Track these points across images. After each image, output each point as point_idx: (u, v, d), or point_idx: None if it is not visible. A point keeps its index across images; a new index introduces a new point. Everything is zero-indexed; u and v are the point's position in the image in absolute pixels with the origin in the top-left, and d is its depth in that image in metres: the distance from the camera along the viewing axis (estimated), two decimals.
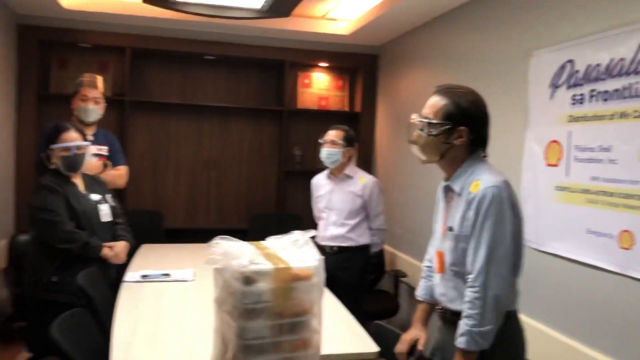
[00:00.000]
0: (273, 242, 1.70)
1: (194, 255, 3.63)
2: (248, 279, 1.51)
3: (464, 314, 1.85)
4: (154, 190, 4.94)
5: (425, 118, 1.94)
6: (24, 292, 3.36)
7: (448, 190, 2.01)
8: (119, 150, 3.80)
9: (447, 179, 2.00)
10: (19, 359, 3.69)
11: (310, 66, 5.16)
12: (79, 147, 2.94)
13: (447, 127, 1.89)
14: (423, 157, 1.98)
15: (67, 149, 2.90)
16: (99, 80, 3.72)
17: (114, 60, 4.72)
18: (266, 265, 1.53)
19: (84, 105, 3.57)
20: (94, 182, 3.12)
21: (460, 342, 1.84)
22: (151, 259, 3.52)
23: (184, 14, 4.07)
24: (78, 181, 3.00)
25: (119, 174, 3.72)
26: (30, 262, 2.98)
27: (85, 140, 3.02)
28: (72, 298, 2.67)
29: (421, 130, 1.95)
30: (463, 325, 1.84)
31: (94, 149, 3.52)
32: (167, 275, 3.11)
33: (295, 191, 5.18)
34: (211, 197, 5.08)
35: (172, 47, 4.69)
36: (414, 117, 1.98)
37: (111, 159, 3.70)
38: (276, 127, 5.13)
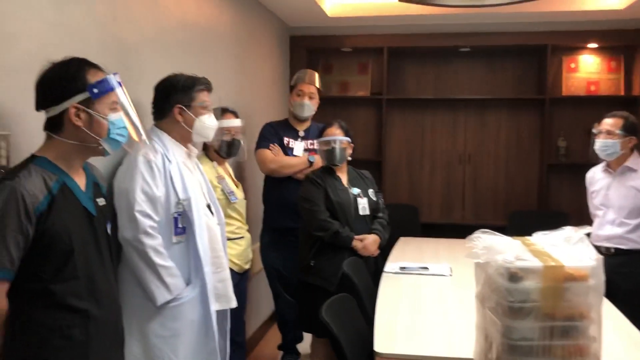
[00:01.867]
0: (541, 238, 1.59)
1: (450, 250, 3.59)
2: (514, 276, 1.43)
3: None
4: (410, 184, 5.05)
5: None
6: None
7: None
8: None
9: None
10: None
11: (576, 48, 4.70)
12: (334, 142, 3.13)
13: None
14: None
15: (328, 142, 3.14)
16: (315, 76, 3.69)
17: (372, 61, 4.97)
18: (534, 262, 1.43)
19: (299, 100, 3.59)
20: (359, 177, 3.30)
21: None
22: (408, 252, 3.60)
23: (440, 8, 4.05)
24: (342, 175, 3.21)
25: None
26: (299, 246, 3.31)
27: (348, 136, 3.19)
28: (323, 282, 2.99)
29: None
30: None
31: (302, 145, 3.59)
32: (425, 268, 3.13)
33: (560, 186, 4.78)
34: (467, 192, 4.99)
35: (427, 42, 4.75)
36: None
37: None
38: (537, 117, 4.80)
